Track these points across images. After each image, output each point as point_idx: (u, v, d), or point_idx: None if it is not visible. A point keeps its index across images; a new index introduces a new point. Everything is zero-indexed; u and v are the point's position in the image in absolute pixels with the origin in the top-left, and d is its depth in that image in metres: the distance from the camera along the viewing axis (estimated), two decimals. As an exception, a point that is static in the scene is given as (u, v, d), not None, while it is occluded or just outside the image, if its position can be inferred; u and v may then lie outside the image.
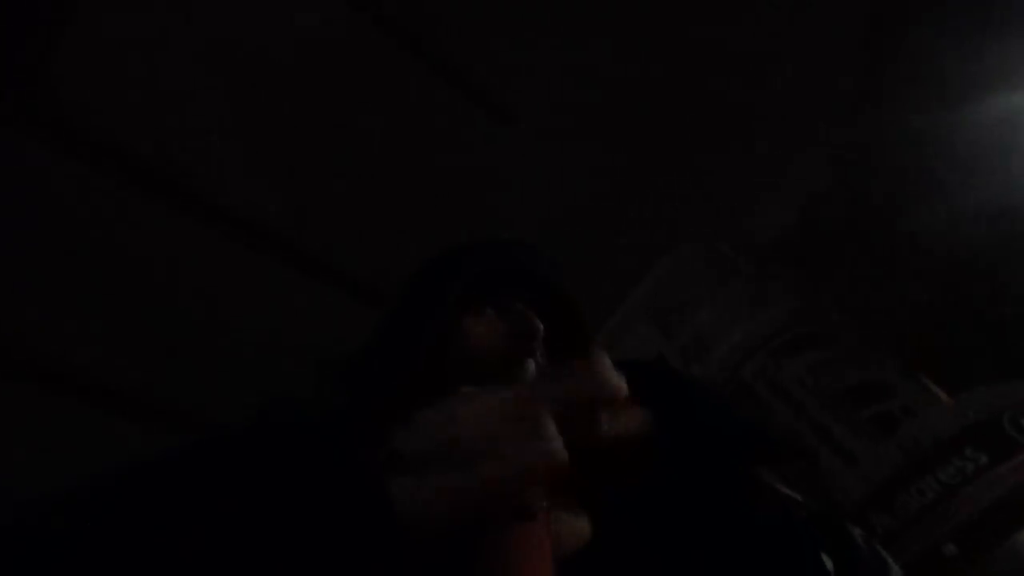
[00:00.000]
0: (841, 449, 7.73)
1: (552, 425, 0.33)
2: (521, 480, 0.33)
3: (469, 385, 0.63)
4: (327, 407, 0.63)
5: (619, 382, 0.39)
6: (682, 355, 10.98)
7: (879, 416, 8.00)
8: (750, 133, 7.58)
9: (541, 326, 0.70)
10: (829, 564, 0.47)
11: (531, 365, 0.65)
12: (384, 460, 0.34)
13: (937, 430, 6.74)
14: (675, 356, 11.16)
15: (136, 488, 0.32)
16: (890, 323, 11.36)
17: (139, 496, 0.31)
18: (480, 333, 0.71)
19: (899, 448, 6.95)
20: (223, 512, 0.29)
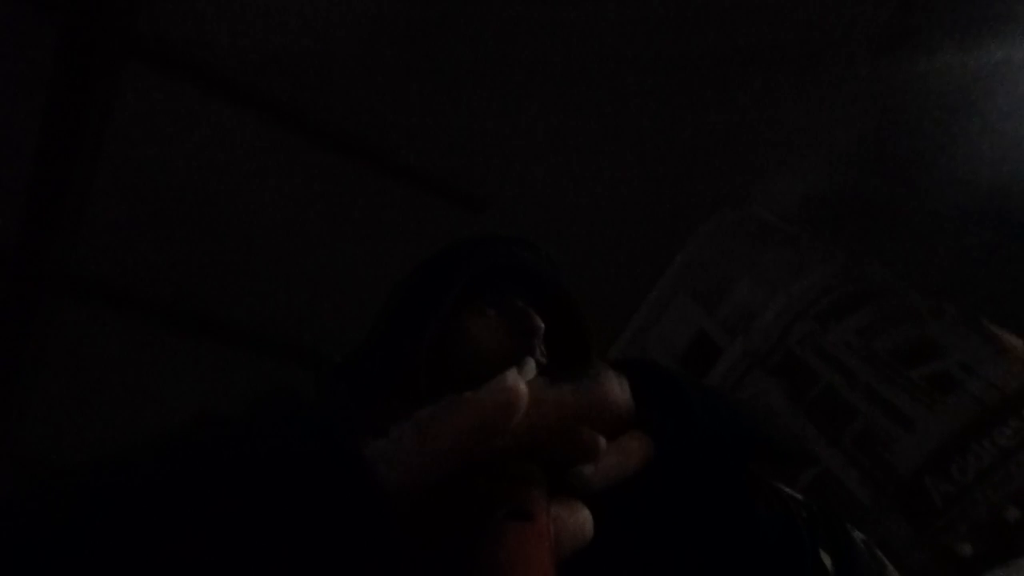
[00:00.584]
0: (897, 415, 7.48)
1: (517, 375, 0.34)
2: (483, 420, 0.33)
3: (469, 382, 0.68)
4: (326, 405, 0.65)
5: (626, 398, 0.38)
6: (724, 328, 10.75)
7: (935, 376, 7.68)
8: (773, 87, 7.30)
9: (541, 324, 0.71)
10: (829, 563, 0.48)
11: (531, 363, 0.65)
12: (366, 438, 0.34)
13: (994, 389, 6.44)
14: (718, 330, 10.94)
15: (125, 484, 0.32)
16: (943, 269, 10.83)
17: (128, 492, 0.32)
18: (480, 331, 0.71)
19: (955, 411, 6.69)
20: (212, 509, 0.30)
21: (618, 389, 0.37)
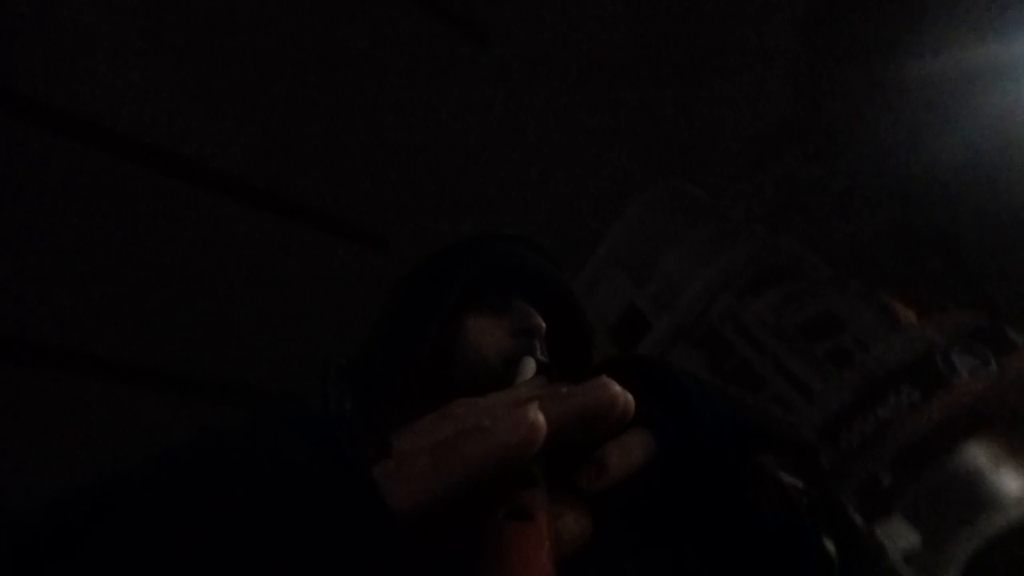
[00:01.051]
0: (800, 384, 8.22)
1: (537, 409, 0.35)
2: (501, 455, 0.33)
3: (470, 383, 0.65)
4: (330, 407, 0.67)
5: (628, 399, 0.39)
6: (654, 302, 11.33)
7: (833, 350, 8.44)
8: (703, 77, 7.60)
9: (542, 323, 0.72)
10: (832, 550, 0.49)
11: (531, 362, 0.66)
12: (373, 454, 0.35)
13: (880, 365, 7.16)
14: (647, 303, 11.51)
15: (128, 489, 0.32)
16: (852, 246, 11.72)
17: (131, 497, 0.32)
18: (481, 331, 0.72)
19: (848, 384, 7.42)
20: (213, 514, 0.29)
21: (619, 389, 0.37)
